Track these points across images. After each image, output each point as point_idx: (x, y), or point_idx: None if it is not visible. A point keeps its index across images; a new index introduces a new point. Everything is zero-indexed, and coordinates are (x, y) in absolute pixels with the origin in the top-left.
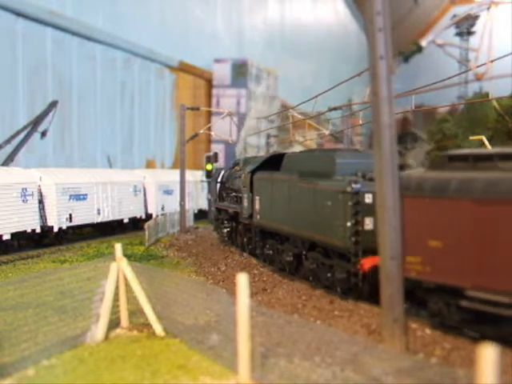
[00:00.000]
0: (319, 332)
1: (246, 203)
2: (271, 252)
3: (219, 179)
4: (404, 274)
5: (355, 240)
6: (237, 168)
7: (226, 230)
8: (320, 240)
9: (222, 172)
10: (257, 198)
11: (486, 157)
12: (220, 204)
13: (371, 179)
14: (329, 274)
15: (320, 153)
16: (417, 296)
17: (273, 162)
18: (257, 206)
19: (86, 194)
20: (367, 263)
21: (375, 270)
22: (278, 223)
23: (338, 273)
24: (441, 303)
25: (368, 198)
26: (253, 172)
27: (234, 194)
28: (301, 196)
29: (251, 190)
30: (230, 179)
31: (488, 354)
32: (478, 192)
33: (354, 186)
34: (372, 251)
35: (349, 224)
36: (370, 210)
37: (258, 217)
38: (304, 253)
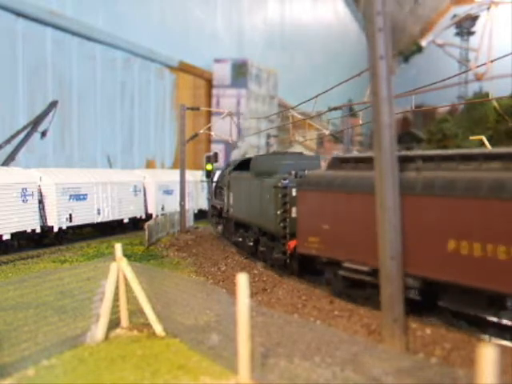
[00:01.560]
0: (319, 332)
1: (225, 199)
2: (241, 239)
3: (215, 179)
4: (307, 252)
5: (283, 225)
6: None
7: (219, 226)
8: (265, 227)
9: (217, 172)
10: (231, 194)
11: (363, 159)
12: (214, 201)
13: (301, 177)
14: (272, 255)
15: (271, 155)
16: (316, 268)
17: (247, 164)
18: (231, 201)
19: (85, 194)
20: (292, 244)
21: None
22: (243, 215)
23: (276, 253)
24: (331, 273)
25: (294, 192)
26: (230, 172)
27: (222, 191)
28: (254, 191)
29: (228, 188)
30: (221, 179)
31: (488, 354)
32: (350, 187)
33: (283, 181)
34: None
35: (279, 212)
36: (296, 202)
37: (232, 210)
38: (258, 238)
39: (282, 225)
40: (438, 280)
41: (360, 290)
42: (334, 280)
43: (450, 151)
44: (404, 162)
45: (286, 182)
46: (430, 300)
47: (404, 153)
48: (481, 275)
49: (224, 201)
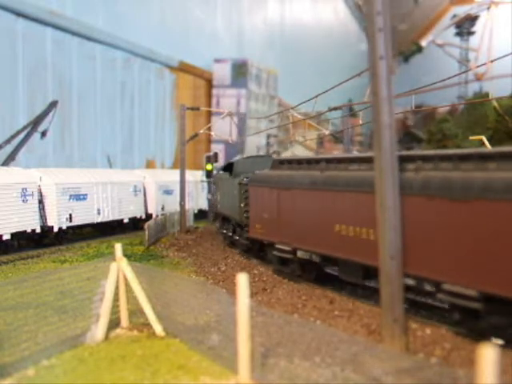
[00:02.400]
0: (319, 332)
1: (215, 197)
2: (225, 231)
3: (212, 179)
4: (255, 236)
5: (246, 216)
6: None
7: (216, 223)
8: (235, 218)
9: (215, 172)
10: (218, 192)
11: (294, 161)
12: (212, 199)
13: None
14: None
15: (248, 158)
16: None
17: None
18: (218, 198)
19: (85, 194)
20: (250, 232)
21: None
22: (225, 210)
23: (241, 239)
24: (271, 254)
25: None
26: (218, 172)
27: (214, 190)
28: (230, 189)
29: (217, 187)
30: (214, 178)
31: (488, 354)
32: (281, 184)
33: (245, 179)
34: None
35: (242, 205)
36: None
37: (219, 206)
38: (235, 229)
39: (244, 215)
40: (330, 255)
41: (287, 266)
42: (274, 258)
43: (350, 155)
44: (313, 163)
45: (247, 179)
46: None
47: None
48: (355, 251)
49: (215, 198)
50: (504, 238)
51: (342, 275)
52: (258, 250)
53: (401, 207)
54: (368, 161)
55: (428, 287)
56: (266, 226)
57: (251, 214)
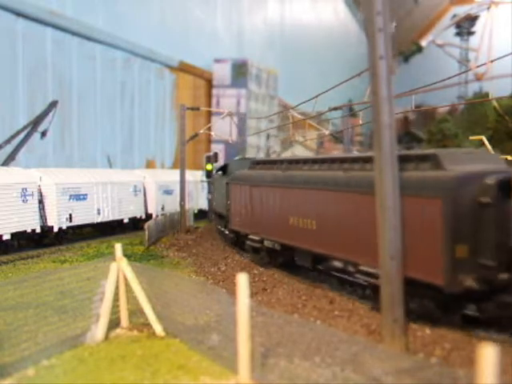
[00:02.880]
0: (319, 332)
1: (213, 196)
2: (219, 227)
3: (211, 179)
4: (235, 228)
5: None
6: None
7: (214, 220)
8: (224, 214)
9: (214, 172)
10: (214, 192)
11: (265, 162)
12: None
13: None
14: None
15: (238, 160)
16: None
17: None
18: (214, 197)
19: (85, 194)
20: (232, 224)
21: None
22: (218, 207)
23: (229, 232)
24: (246, 244)
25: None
26: (215, 173)
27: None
28: (222, 188)
29: (213, 186)
30: (212, 179)
31: (488, 354)
32: (252, 182)
33: (229, 180)
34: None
35: (229, 202)
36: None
37: (214, 204)
38: (226, 224)
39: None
40: (288, 244)
41: (258, 254)
42: (249, 247)
43: (299, 157)
44: (278, 163)
45: (229, 178)
46: (291, 258)
47: (273, 157)
48: (303, 240)
49: (212, 197)
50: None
51: (297, 261)
52: (242, 242)
53: (330, 202)
54: (316, 162)
55: (350, 268)
56: (242, 219)
57: (232, 208)
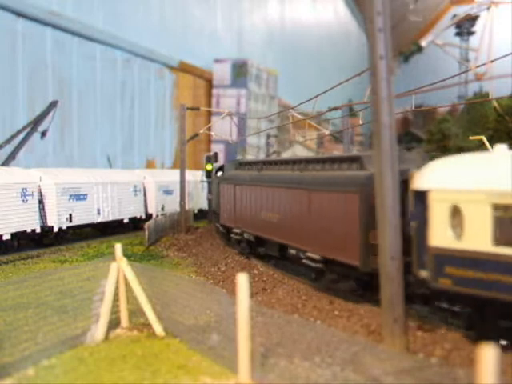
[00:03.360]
0: (319, 332)
1: (211, 195)
2: (216, 224)
3: (211, 180)
4: (223, 222)
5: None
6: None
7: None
8: (218, 211)
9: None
10: (212, 191)
11: (250, 162)
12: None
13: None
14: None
15: (232, 161)
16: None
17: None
18: (212, 196)
19: (85, 194)
20: (221, 220)
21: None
22: (214, 205)
23: (221, 227)
24: (231, 235)
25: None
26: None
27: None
28: (215, 187)
29: (212, 186)
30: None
31: (488, 354)
32: (236, 181)
33: (219, 180)
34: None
35: (219, 200)
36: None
37: (212, 202)
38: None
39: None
40: (259, 236)
41: (240, 245)
42: (233, 240)
43: (272, 159)
44: (254, 164)
45: (218, 178)
46: (261, 248)
47: (248, 159)
48: (270, 232)
49: (211, 197)
50: (330, 219)
51: (267, 251)
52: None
53: (287, 198)
54: (284, 163)
55: (301, 254)
56: (228, 214)
57: (221, 205)
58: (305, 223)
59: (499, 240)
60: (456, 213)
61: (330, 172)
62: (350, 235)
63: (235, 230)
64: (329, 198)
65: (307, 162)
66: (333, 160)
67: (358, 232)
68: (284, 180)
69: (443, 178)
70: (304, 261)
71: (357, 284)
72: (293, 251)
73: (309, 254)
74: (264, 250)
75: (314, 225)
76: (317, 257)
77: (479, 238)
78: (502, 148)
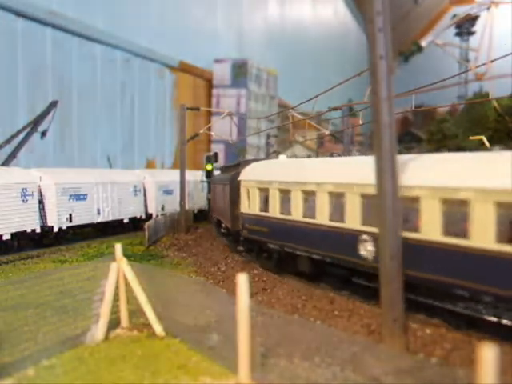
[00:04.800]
0: (319, 332)
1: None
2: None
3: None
4: (214, 215)
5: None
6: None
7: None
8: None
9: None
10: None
11: (226, 167)
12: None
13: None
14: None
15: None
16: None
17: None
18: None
19: (85, 194)
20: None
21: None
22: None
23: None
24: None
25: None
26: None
27: None
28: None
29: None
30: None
31: (488, 354)
32: (216, 181)
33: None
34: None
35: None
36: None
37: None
38: None
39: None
40: (227, 226)
41: (226, 236)
42: (221, 231)
43: (230, 164)
44: (226, 168)
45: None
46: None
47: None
48: (220, 216)
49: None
50: (224, 201)
51: (222, 229)
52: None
53: (220, 191)
54: (226, 168)
55: (223, 226)
56: (215, 209)
57: (212, 202)
58: (223, 205)
59: (262, 207)
60: (249, 193)
61: (230, 172)
62: (227, 210)
63: (223, 224)
64: (223, 188)
65: (229, 167)
66: (236, 165)
67: (229, 207)
68: (220, 179)
69: (243, 175)
70: (222, 230)
71: (233, 238)
72: (223, 225)
73: (222, 225)
74: (214, 221)
75: (224, 206)
76: (224, 225)
77: (256, 207)
78: (281, 157)
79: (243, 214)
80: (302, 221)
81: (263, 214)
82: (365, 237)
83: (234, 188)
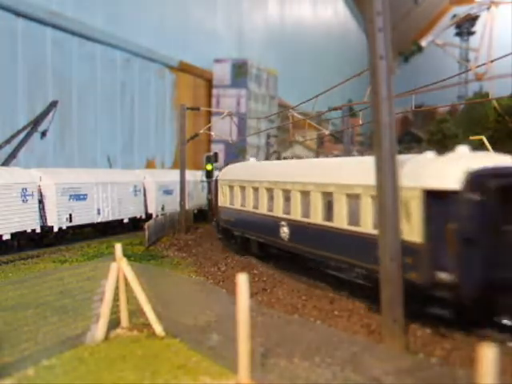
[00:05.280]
0: (319, 332)
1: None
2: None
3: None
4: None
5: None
6: None
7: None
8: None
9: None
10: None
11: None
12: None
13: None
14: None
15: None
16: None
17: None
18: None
19: (85, 194)
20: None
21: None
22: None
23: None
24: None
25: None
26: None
27: None
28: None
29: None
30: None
31: (488, 354)
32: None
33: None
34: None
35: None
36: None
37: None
38: None
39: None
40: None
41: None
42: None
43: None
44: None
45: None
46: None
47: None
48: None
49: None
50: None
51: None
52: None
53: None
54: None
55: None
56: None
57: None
58: (214, 201)
59: (230, 201)
60: (223, 189)
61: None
62: (213, 204)
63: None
64: (214, 186)
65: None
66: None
67: (214, 202)
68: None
69: (220, 175)
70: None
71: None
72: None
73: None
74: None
75: (213, 201)
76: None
77: (227, 201)
78: (251, 160)
79: (220, 207)
80: (251, 211)
81: (230, 206)
82: (283, 223)
83: (215, 185)
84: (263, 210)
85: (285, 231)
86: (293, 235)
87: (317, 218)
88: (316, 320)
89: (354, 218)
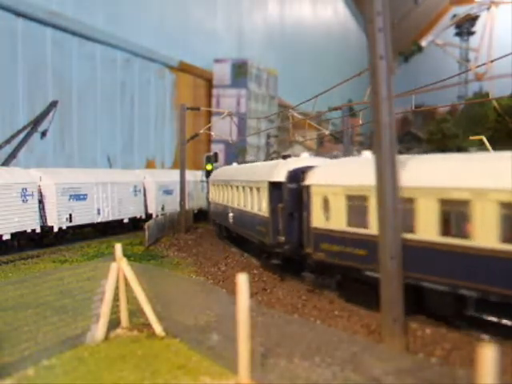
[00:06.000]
0: (319, 332)
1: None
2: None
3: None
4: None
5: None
6: None
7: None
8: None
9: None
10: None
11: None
12: None
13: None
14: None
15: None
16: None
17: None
18: None
19: (85, 194)
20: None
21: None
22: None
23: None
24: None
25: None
26: None
27: None
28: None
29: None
30: None
31: (488, 354)
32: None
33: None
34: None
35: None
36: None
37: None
38: None
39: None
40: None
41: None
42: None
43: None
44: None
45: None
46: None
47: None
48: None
49: None
50: None
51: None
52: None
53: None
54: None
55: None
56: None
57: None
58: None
59: (215, 198)
60: (213, 187)
61: None
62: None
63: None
64: None
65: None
66: None
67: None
68: None
69: (212, 176)
70: None
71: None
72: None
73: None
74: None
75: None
76: None
77: (215, 198)
78: (234, 164)
79: (210, 202)
80: (220, 203)
81: (214, 201)
82: (230, 211)
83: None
84: (225, 202)
85: (231, 217)
86: (234, 219)
87: (240, 205)
88: (316, 320)
89: (258, 203)
